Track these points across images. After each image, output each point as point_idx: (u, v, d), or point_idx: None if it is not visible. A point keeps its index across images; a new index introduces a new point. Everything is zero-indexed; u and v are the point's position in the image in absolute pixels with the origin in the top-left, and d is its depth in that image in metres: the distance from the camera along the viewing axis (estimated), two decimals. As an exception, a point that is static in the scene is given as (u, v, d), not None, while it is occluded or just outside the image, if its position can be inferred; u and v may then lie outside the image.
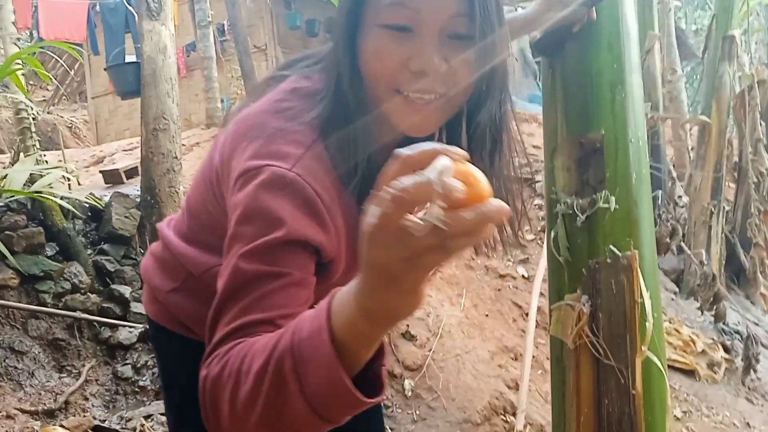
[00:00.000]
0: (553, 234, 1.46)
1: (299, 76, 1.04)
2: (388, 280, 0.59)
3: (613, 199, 1.34)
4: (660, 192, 5.25)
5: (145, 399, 3.01)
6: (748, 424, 3.93)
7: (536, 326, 3.81)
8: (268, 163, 0.88)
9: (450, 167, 0.53)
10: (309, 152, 0.90)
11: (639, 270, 1.35)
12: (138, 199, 3.88)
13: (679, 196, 5.42)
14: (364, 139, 0.93)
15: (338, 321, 0.66)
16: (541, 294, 3.98)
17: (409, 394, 3.25)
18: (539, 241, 5.16)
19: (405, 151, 0.55)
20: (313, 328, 0.68)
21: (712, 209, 5.31)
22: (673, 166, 6.22)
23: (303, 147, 0.90)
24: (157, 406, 2.91)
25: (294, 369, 0.67)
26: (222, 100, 8.58)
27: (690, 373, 4.23)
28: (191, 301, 1.19)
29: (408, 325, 3.63)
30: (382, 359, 0.73)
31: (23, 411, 2.73)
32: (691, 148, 6.56)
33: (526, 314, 4.17)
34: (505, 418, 3.30)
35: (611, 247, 1.36)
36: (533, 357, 3.69)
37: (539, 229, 5.37)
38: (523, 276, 4.72)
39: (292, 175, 0.87)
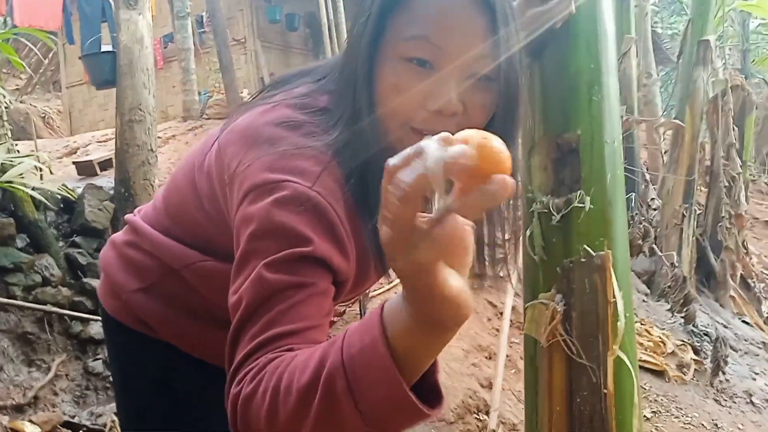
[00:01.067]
0: (528, 233, 1.47)
1: (304, 91, 1.00)
2: (423, 288, 0.59)
3: (588, 199, 1.36)
4: (633, 194, 5.32)
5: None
6: (716, 425, 3.99)
7: (510, 326, 3.84)
8: (286, 179, 0.85)
9: (440, 145, 0.53)
10: (327, 171, 0.88)
11: (612, 270, 1.36)
12: (112, 192, 3.83)
13: (652, 199, 5.50)
14: (375, 166, 0.89)
15: (393, 333, 0.64)
16: (516, 294, 4.01)
17: (383, 391, 3.25)
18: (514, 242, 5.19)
19: (393, 161, 0.56)
20: (365, 342, 0.65)
21: (684, 212, 5.39)
22: (647, 169, 6.32)
23: (321, 165, 0.88)
24: (128, 401, 2.88)
25: (348, 388, 0.65)
26: (199, 93, 8.51)
27: (660, 373, 4.29)
28: (158, 303, 1.15)
29: (383, 323, 3.62)
30: (436, 369, 0.71)
31: (-10, 405, 2.69)
32: (665, 152, 6.66)
33: (501, 313, 4.20)
34: (478, 417, 3.31)
35: (585, 246, 1.37)
36: (507, 356, 3.72)
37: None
38: (497, 275, 4.75)
39: (313, 194, 0.84)
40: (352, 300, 0.97)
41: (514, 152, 0.90)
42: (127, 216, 1.25)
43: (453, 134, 0.79)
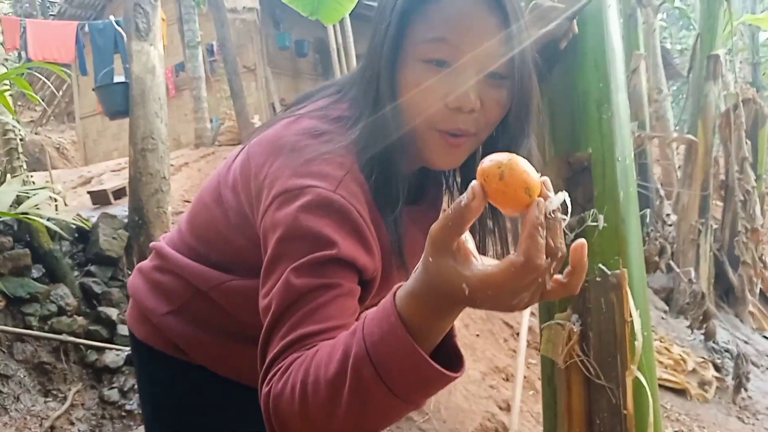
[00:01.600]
0: (542, 253, 1.46)
1: (325, 103, 1.04)
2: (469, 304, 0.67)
3: (601, 217, 1.35)
4: (648, 210, 5.28)
5: (131, 423, 2.97)
6: (739, 442, 3.92)
7: (527, 346, 3.79)
8: (311, 184, 0.88)
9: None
10: (350, 175, 0.91)
11: (628, 288, 1.35)
12: (126, 220, 3.86)
13: (667, 215, 5.46)
14: (397, 166, 0.95)
15: (409, 316, 0.70)
16: (532, 314, 3.97)
17: (400, 415, 3.22)
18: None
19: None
20: (383, 330, 0.70)
21: (700, 227, 5.35)
22: (661, 184, 6.28)
23: (344, 169, 0.91)
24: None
25: (377, 374, 0.70)
26: (211, 120, 8.59)
27: (681, 392, 4.22)
28: (188, 325, 1.15)
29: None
30: (453, 332, 0.77)
31: (7, 436, 2.69)
32: (678, 167, 6.62)
33: (517, 334, 4.16)
34: (496, 439, 3.27)
35: (600, 265, 1.36)
36: (524, 377, 3.67)
37: (529, 248, 5.37)
38: (513, 295, 4.72)
39: (337, 197, 0.88)
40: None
41: (528, 145, 0.98)
42: (152, 243, 1.26)
43: (474, 133, 0.92)
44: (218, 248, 1.10)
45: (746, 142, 5.36)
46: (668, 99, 7.40)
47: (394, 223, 0.96)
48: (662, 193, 5.66)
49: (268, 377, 0.80)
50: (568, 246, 0.65)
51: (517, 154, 0.64)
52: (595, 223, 1.35)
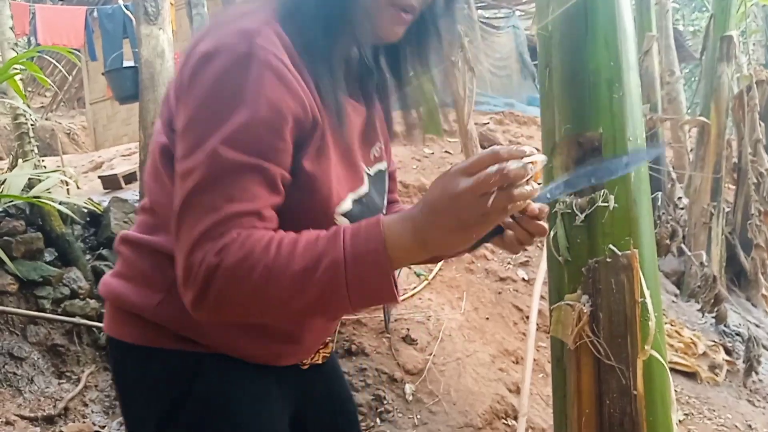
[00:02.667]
0: (552, 234, 1.46)
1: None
2: (455, 227, 0.76)
3: (612, 198, 1.34)
4: (659, 194, 5.25)
5: (144, 404, 3.00)
6: (750, 426, 3.92)
7: (537, 329, 3.80)
8: (223, 44, 0.86)
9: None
10: (269, 28, 0.88)
11: (639, 269, 1.34)
12: (137, 204, 3.88)
13: (679, 198, 5.42)
14: (329, 34, 0.94)
15: (392, 247, 0.79)
16: (542, 297, 3.97)
17: (410, 398, 3.23)
18: (539, 244, 5.16)
19: (502, 151, 0.73)
20: (369, 248, 0.79)
21: (712, 210, 5.31)
22: (673, 167, 6.23)
23: (261, 23, 0.88)
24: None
25: (345, 282, 0.79)
26: (221, 105, 8.58)
27: (691, 375, 4.22)
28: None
29: (408, 329, 3.62)
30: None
31: (22, 417, 2.72)
32: (690, 150, 6.57)
33: (527, 317, 4.16)
34: (506, 422, 3.28)
35: (611, 246, 1.35)
36: (534, 360, 3.68)
37: (539, 231, 5.35)
38: (523, 279, 4.72)
39: (254, 46, 0.85)
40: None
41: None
42: (115, 245, 1.13)
43: (417, 9, 0.97)
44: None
45: (760, 124, 5.30)
46: (680, 81, 7.33)
47: (332, 88, 0.93)
48: (674, 176, 5.62)
49: (200, 246, 0.81)
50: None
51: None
52: (605, 204, 1.34)
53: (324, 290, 0.80)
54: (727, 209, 5.57)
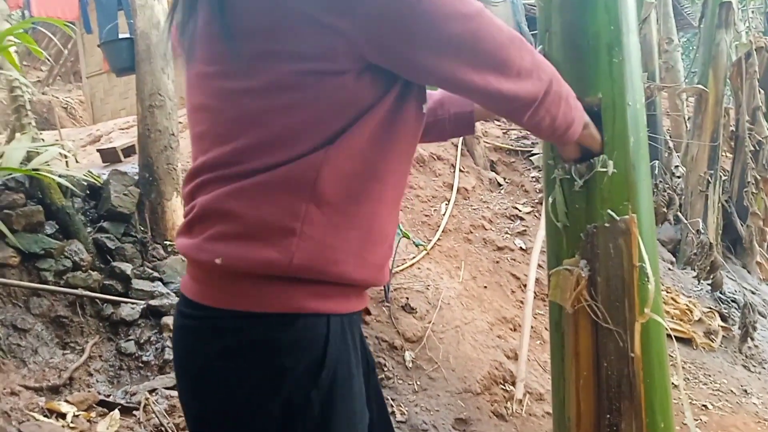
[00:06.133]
0: (551, 200, 1.47)
1: None
2: None
3: (611, 163, 1.35)
4: (657, 162, 5.26)
5: (149, 374, 3.04)
6: (745, 391, 3.98)
7: (534, 297, 3.84)
8: None
9: None
10: None
11: (637, 234, 1.36)
12: (136, 177, 3.88)
13: (676, 166, 5.44)
14: None
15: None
16: (539, 266, 4.01)
17: (410, 365, 3.28)
18: (536, 214, 5.18)
19: None
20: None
21: (709, 179, 5.33)
22: (670, 136, 6.23)
23: None
24: (161, 381, 2.94)
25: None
26: (217, 77, 8.51)
27: (687, 341, 4.28)
28: (332, 225, 0.97)
29: (408, 298, 3.65)
30: None
31: (27, 387, 2.75)
32: (688, 118, 6.56)
33: (524, 285, 4.20)
34: (504, 388, 3.34)
35: (609, 211, 1.37)
36: (531, 327, 3.73)
37: (536, 201, 5.38)
38: (520, 248, 4.75)
39: None
40: None
41: None
42: (209, 206, 0.98)
43: None
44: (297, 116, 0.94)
45: (760, 92, 5.29)
46: (678, 49, 7.28)
47: None
48: (671, 144, 5.63)
49: None
50: None
51: None
52: (604, 169, 1.35)
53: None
54: (723, 177, 5.59)
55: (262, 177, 0.94)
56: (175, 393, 2.86)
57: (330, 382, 0.98)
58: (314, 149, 0.94)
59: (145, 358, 3.08)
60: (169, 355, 3.06)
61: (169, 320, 3.20)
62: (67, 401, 2.69)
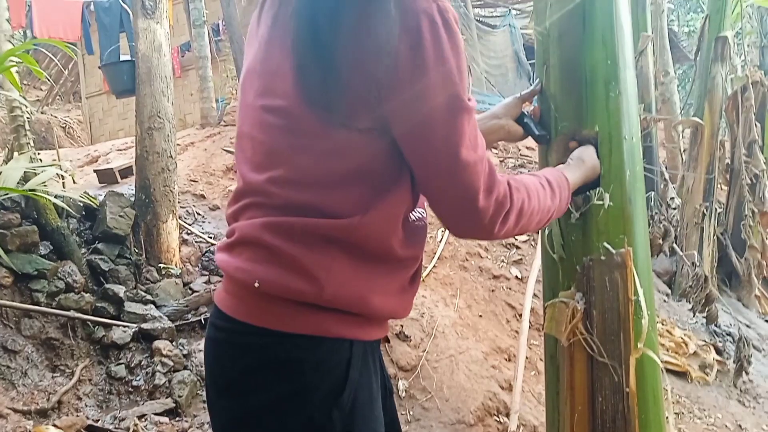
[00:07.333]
0: (547, 231, 1.47)
1: None
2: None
3: (607, 196, 1.35)
4: (652, 193, 5.28)
5: (138, 399, 3.00)
6: (740, 426, 3.94)
7: (530, 327, 3.82)
8: None
9: None
10: None
11: (633, 267, 1.35)
12: (132, 198, 3.87)
13: (672, 198, 5.45)
14: None
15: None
16: (535, 296, 3.99)
17: (403, 394, 3.25)
18: (533, 242, 5.18)
19: None
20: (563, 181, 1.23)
21: (704, 211, 5.34)
22: (666, 167, 6.26)
23: None
24: (151, 406, 2.90)
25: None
26: (217, 100, 8.57)
27: (682, 374, 4.25)
28: (360, 264, 1.03)
29: (402, 326, 3.63)
30: None
31: (16, 410, 2.72)
32: (684, 150, 6.60)
33: (520, 315, 4.18)
34: (498, 419, 3.30)
35: (605, 244, 1.36)
36: (527, 358, 3.70)
37: (533, 230, 5.37)
38: (516, 277, 4.73)
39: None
40: None
41: None
42: (250, 234, 1.04)
43: None
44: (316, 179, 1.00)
45: (756, 125, 5.33)
46: (675, 82, 7.36)
47: None
48: (667, 176, 5.65)
49: (501, 189, 1.03)
50: None
51: None
52: (600, 202, 1.35)
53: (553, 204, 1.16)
54: (719, 210, 5.60)
55: (295, 220, 1.00)
56: (164, 419, 2.83)
57: (351, 404, 1.02)
58: (350, 214, 1.00)
59: (135, 383, 3.05)
60: (158, 380, 3.03)
61: (160, 344, 3.17)
62: (55, 425, 2.65)
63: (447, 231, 1.09)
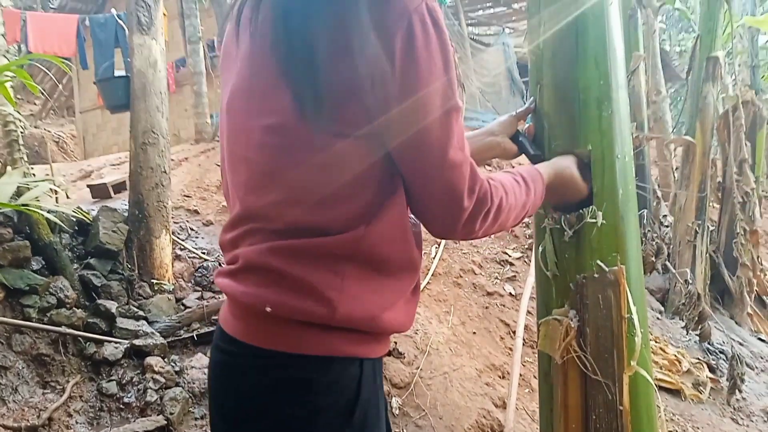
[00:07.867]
0: (540, 249, 1.48)
1: None
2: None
3: (600, 214, 1.36)
4: (645, 211, 5.30)
5: (129, 416, 2.98)
6: (733, 443, 3.94)
7: (523, 344, 3.82)
8: None
9: None
10: None
11: (626, 285, 1.36)
12: (126, 214, 3.87)
13: (664, 216, 5.48)
14: None
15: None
16: (529, 312, 3.99)
17: (397, 412, 3.23)
18: (526, 259, 5.19)
19: None
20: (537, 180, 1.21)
21: (697, 229, 5.37)
22: (658, 185, 6.30)
23: None
24: (142, 424, 2.88)
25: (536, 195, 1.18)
26: (211, 116, 8.59)
27: (675, 392, 4.24)
28: (369, 280, 1.02)
29: (396, 343, 3.62)
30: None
31: (6, 427, 2.69)
32: (676, 168, 6.64)
33: (514, 332, 4.18)
34: (492, 437, 3.29)
35: (598, 262, 1.37)
36: (520, 375, 3.69)
37: (526, 247, 5.39)
38: (510, 294, 4.74)
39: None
40: None
41: None
42: (257, 260, 1.03)
43: None
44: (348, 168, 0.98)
45: (746, 144, 5.38)
46: (666, 101, 7.42)
47: None
48: (659, 194, 5.68)
49: (483, 189, 1.03)
50: None
51: None
52: (593, 220, 1.36)
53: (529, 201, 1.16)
54: (711, 228, 5.63)
55: (300, 243, 0.99)
56: (155, 436, 2.80)
57: (362, 423, 1.03)
58: (355, 226, 0.99)
59: (126, 400, 3.02)
60: (150, 397, 3.01)
61: (152, 361, 3.15)
62: (44, 442, 2.62)
63: (429, 234, 1.08)
